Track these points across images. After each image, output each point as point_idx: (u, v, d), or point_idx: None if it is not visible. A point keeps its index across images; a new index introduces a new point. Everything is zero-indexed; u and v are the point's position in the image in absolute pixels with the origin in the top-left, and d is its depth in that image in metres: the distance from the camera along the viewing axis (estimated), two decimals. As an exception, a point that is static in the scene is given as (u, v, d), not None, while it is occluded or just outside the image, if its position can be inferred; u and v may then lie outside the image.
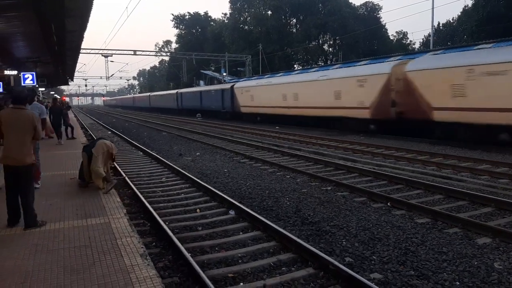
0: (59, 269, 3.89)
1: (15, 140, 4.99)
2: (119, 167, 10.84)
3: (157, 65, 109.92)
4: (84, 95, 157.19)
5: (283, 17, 59.33)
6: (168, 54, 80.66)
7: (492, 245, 5.26)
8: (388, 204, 7.17)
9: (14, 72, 18.13)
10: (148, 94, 70.69)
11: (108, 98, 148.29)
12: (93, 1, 9.07)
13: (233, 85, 34.32)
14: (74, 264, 3.99)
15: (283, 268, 4.64)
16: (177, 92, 50.52)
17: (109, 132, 24.15)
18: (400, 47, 54.51)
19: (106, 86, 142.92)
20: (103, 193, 6.96)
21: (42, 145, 13.54)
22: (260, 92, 28.94)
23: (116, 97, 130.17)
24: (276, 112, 27.05)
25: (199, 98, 41.52)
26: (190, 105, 45.16)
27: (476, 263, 4.70)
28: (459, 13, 45.80)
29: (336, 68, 23.75)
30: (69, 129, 16.54)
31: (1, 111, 5.40)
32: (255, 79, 34.76)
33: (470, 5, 40.14)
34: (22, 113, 5.11)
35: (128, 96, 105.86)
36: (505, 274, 4.40)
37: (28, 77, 18.19)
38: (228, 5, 64.69)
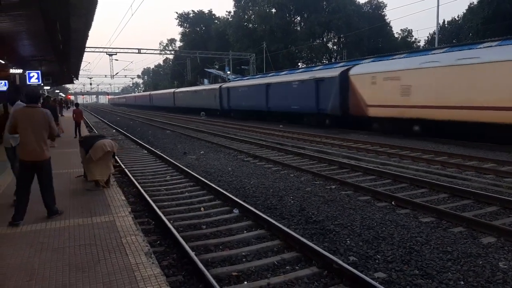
0: (64, 267, 3.92)
1: (33, 137, 5.27)
2: (124, 165, 10.89)
3: (162, 64, 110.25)
4: (88, 93, 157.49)
5: (287, 15, 59.22)
6: (173, 52, 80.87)
7: (497, 244, 5.24)
8: (393, 203, 7.15)
9: (20, 71, 18.23)
10: (172, 90, 55.64)
11: (115, 96, 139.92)
12: (98, 0, 9.09)
13: (348, 70, 20.21)
14: (79, 262, 4.02)
15: (287, 267, 4.65)
16: (221, 87, 36.36)
17: (114, 131, 24.24)
18: (405, 45, 54.24)
19: (110, 85, 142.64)
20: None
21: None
22: (437, 77, 15.14)
23: (127, 95, 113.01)
24: (493, 118, 13.21)
25: (264, 94, 27.33)
26: (245, 104, 30.93)
27: (481, 262, 4.69)
28: (465, 11, 45.49)
29: None
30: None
31: (15, 110, 5.63)
32: (390, 58, 20.96)
33: (475, 3, 39.85)
34: (36, 111, 5.40)
35: (143, 93, 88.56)
36: (510, 274, 4.38)
37: (34, 75, 18.28)
38: (232, 3, 64.87)
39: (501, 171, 9.57)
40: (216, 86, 38.29)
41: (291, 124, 24.89)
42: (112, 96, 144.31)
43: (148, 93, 75.26)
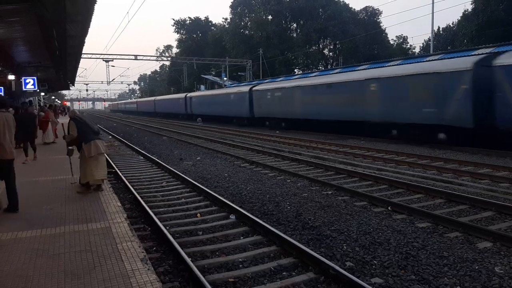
0: (60, 273, 3.88)
1: (9, 138, 5.93)
2: (120, 171, 10.85)
3: (158, 70, 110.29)
4: (85, 99, 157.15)
5: (283, 21, 59.60)
6: (169, 58, 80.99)
7: (493, 249, 5.25)
8: (389, 208, 7.16)
9: (15, 77, 18.20)
10: (244, 90, 30.83)
11: (118, 101, 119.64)
12: (94, 7, 9.12)
13: None
14: (75, 268, 3.99)
15: (284, 273, 4.63)
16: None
17: (110, 137, 24.18)
18: (401, 52, 54.62)
19: (107, 91, 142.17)
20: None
21: (41, 150, 13.61)
22: None
23: (139, 99, 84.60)
24: None
25: None
26: None
27: (477, 267, 4.69)
28: (459, 18, 45.88)
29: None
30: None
31: None
32: None
33: (469, 10, 40.25)
34: (8, 115, 6.14)
35: (170, 96, 56.82)
36: (506, 279, 4.39)
37: (30, 81, 18.27)
38: (229, 10, 65.15)
39: (496, 176, 9.61)
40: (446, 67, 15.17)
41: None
42: (112, 102, 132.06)
43: (182, 95, 47.82)
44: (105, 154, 7.79)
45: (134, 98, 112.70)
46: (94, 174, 7.30)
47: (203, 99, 40.56)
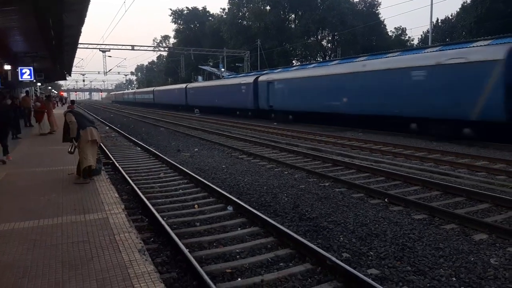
0: (58, 264, 3.90)
1: None
2: (117, 162, 10.84)
3: (155, 60, 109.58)
4: (82, 90, 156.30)
5: (281, 12, 59.21)
6: (166, 49, 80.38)
7: (489, 241, 5.29)
8: (386, 200, 7.19)
9: (11, 67, 18.06)
10: (455, 59, 13.47)
11: (127, 91, 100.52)
12: (91, -4, 9.04)
13: None
14: (72, 259, 4.00)
15: (281, 264, 4.66)
16: None
17: (107, 128, 24.11)
18: (399, 43, 54.45)
19: (103, 81, 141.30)
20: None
21: (38, 140, 13.58)
22: None
23: (158, 88, 60.36)
24: None
25: None
26: None
27: (472, 259, 4.73)
28: (458, 10, 45.76)
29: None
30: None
31: None
32: None
33: (468, 2, 40.09)
34: None
35: (219, 82, 38.87)
36: (501, 270, 4.43)
37: (26, 71, 18.13)
38: (227, 0, 64.63)
39: (493, 169, 9.65)
40: None
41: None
42: (116, 92, 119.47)
43: (248, 80, 30.04)
44: (101, 143, 7.86)
45: (133, 88, 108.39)
46: (94, 159, 7.58)
47: (301, 83, 23.12)
